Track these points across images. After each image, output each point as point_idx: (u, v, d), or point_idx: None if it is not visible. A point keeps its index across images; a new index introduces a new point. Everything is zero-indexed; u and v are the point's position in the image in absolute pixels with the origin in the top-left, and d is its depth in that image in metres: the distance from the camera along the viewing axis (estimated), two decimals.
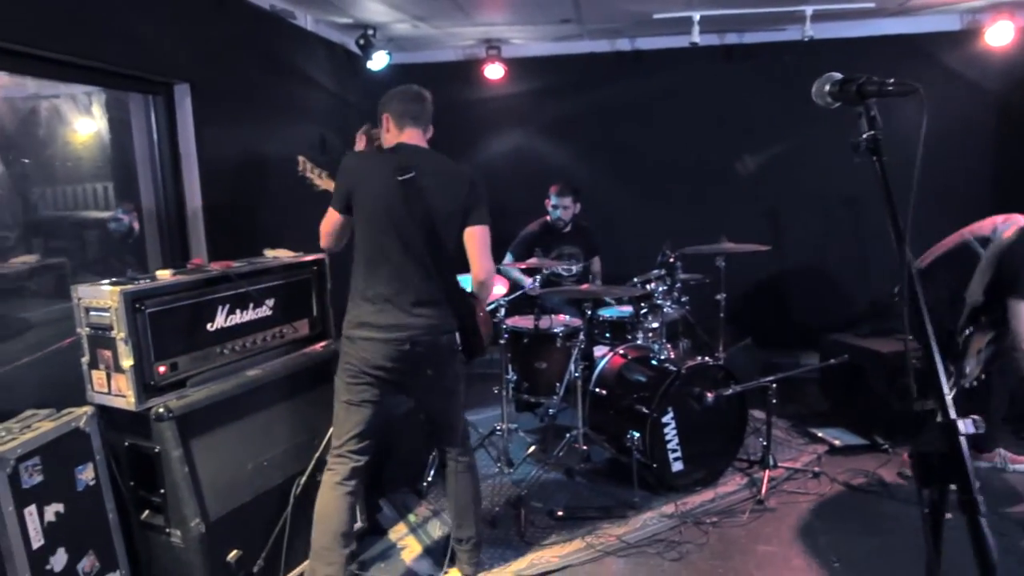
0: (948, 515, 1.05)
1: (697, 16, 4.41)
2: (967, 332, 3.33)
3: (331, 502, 2.39)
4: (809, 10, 4.35)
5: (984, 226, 3.36)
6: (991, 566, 0.96)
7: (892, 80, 1.21)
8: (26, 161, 2.78)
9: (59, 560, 2.05)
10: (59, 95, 2.84)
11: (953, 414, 1.01)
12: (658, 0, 4.18)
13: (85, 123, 3.04)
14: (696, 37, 4.52)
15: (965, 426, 1.01)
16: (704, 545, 3.02)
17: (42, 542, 1.99)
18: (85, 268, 3.09)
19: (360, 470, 2.46)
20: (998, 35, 4.63)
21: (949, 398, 1.02)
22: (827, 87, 1.28)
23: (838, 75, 1.28)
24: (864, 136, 1.16)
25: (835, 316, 5.16)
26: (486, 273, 2.40)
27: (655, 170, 5.33)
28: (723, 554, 2.96)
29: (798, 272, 5.31)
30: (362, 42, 4.40)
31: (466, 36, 4.97)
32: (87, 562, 2.15)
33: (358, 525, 2.97)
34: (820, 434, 4.15)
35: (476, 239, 2.41)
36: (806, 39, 4.49)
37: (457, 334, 2.46)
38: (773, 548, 2.99)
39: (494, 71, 5.12)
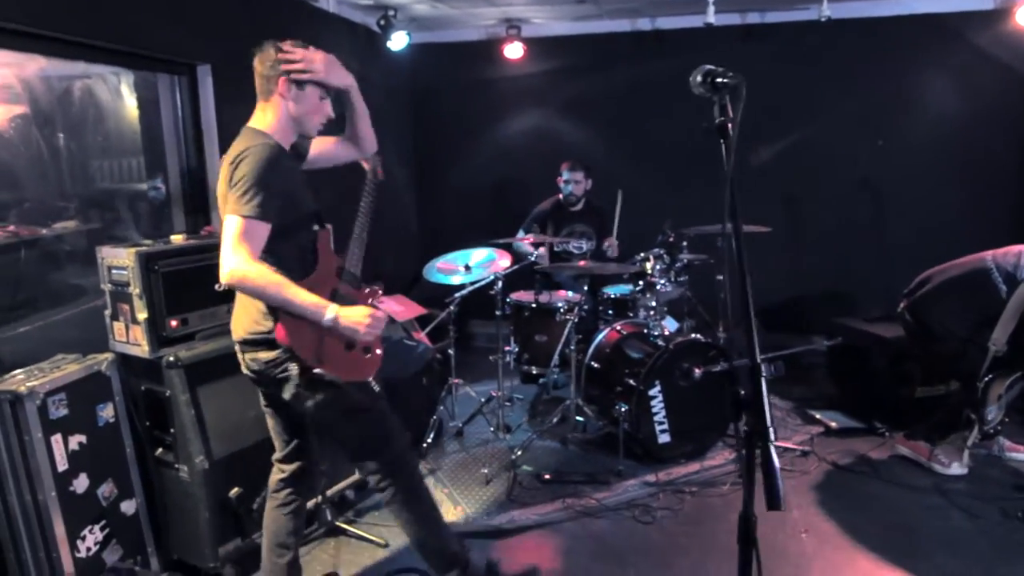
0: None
1: None
2: (988, 378, 3.22)
3: (266, 514, 2.37)
4: None
5: (1009, 256, 3.22)
6: (776, 489, 1.09)
7: (723, 72, 1.33)
8: (61, 136, 3.08)
9: (81, 483, 2.36)
10: (91, 76, 3.12)
11: (758, 358, 1.15)
12: None
13: (116, 101, 3.33)
14: (711, 17, 4.53)
15: (766, 369, 1.15)
16: (679, 511, 3.17)
17: (66, 466, 2.30)
18: (119, 234, 3.40)
19: (288, 480, 2.35)
20: None
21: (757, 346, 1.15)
22: (698, 78, 1.38)
23: (708, 66, 1.38)
24: (716, 121, 1.29)
25: (847, 299, 5.16)
26: (224, 274, 1.86)
27: (671, 151, 5.37)
28: (695, 520, 3.11)
29: (811, 254, 5.30)
30: (383, 22, 4.59)
31: (486, 16, 5.09)
32: (106, 488, 2.46)
33: (355, 477, 3.23)
34: (818, 416, 4.21)
35: (221, 231, 1.93)
36: (823, 19, 4.45)
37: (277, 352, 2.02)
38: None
39: (514, 50, 5.23)
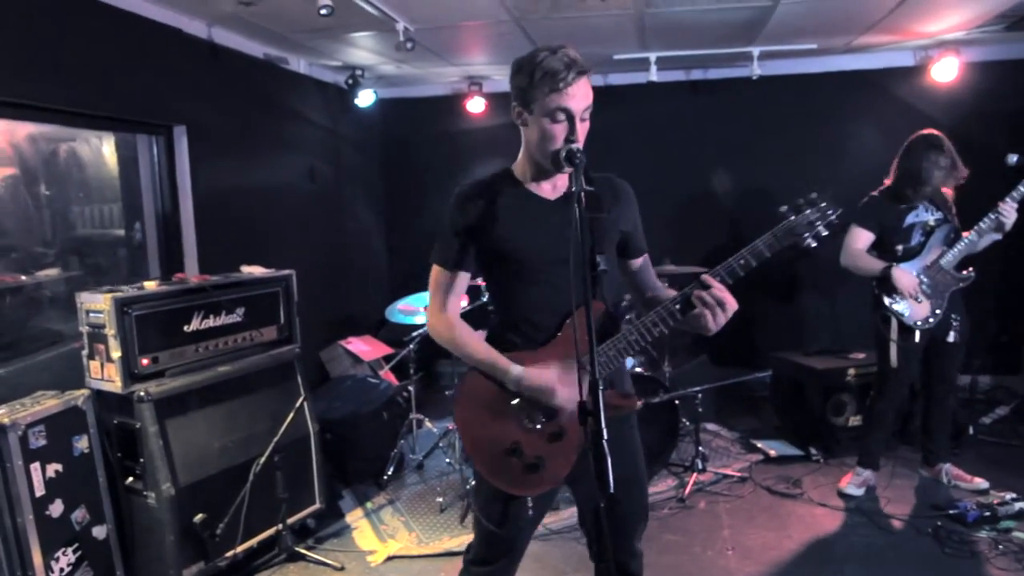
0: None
1: (653, 57, 4.84)
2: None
3: None
4: (756, 51, 4.73)
5: None
6: (606, 476, 1.36)
7: (578, 151, 1.62)
8: (47, 193, 3.38)
9: (56, 508, 2.58)
10: (75, 138, 3.44)
11: (597, 374, 1.43)
12: (616, 42, 4.60)
13: (98, 160, 3.64)
14: (654, 76, 4.94)
15: (600, 385, 1.42)
16: None
17: (43, 492, 2.53)
18: (100, 278, 3.66)
19: None
20: (943, 71, 4.93)
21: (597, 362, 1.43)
22: (563, 154, 1.65)
23: (574, 146, 1.66)
24: (572, 190, 1.56)
25: (792, 335, 5.49)
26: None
27: None
28: None
29: (756, 292, 5.63)
30: (350, 82, 4.96)
31: (449, 74, 5.49)
32: (79, 513, 2.68)
33: (316, 506, 3.45)
34: (759, 444, 4.48)
35: None
36: (754, 77, 4.87)
37: None
38: (677, 538, 3.36)
39: (476, 105, 5.62)
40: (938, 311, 3.44)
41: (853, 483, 3.71)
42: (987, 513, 3.35)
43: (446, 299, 1.86)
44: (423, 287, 4.50)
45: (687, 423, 4.25)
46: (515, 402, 1.80)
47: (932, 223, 3.47)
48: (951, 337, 3.47)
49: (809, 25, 4.23)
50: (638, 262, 2.00)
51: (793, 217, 1.81)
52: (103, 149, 3.61)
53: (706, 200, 5.67)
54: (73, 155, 3.46)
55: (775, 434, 4.64)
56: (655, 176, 5.66)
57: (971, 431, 4.44)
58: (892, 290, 3.42)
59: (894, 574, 2.98)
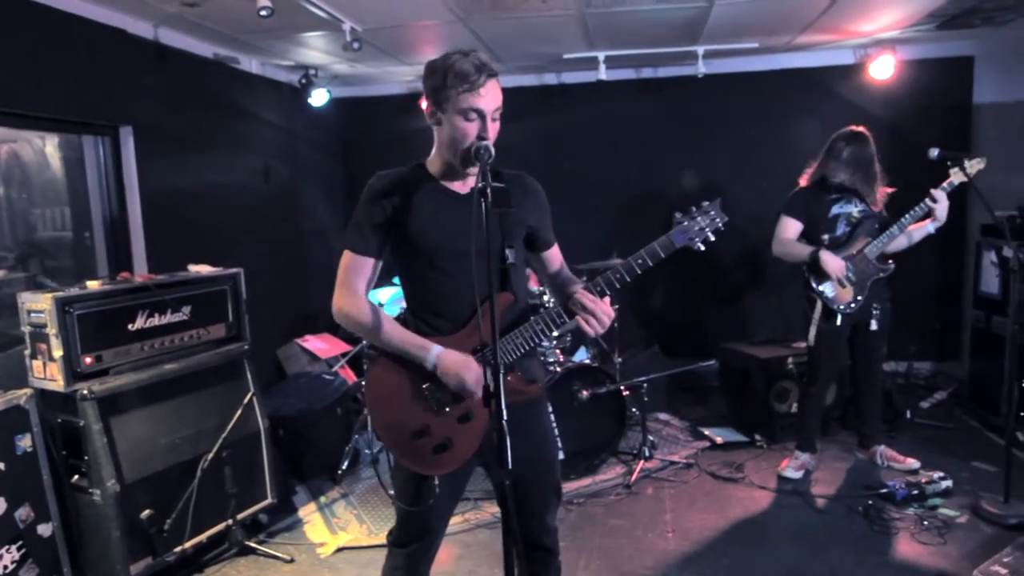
0: None
1: (602, 56, 4.95)
2: None
3: None
4: (700, 50, 4.87)
5: None
6: (505, 453, 1.47)
7: (485, 147, 1.71)
8: None
9: (0, 506, 2.60)
10: (16, 140, 3.44)
11: (498, 360, 1.52)
12: (564, 41, 4.70)
13: (42, 161, 3.64)
14: (603, 75, 5.06)
15: (502, 370, 1.52)
16: (563, 520, 3.51)
17: None
18: (49, 280, 3.67)
19: None
20: (880, 69, 5.12)
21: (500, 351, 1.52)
22: (474, 150, 1.74)
23: (482, 143, 1.75)
24: (481, 184, 1.65)
25: (740, 325, 5.65)
26: None
27: (575, 191, 5.84)
28: (577, 526, 3.45)
29: (705, 284, 5.79)
30: (304, 81, 4.99)
31: (403, 73, 5.54)
32: (23, 511, 2.70)
33: (268, 501, 3.50)
34: (707, 432, 4.61)
35: None
36: (700, 75, 5.01)
37: None
38: (622, 522, 3.48)
39: None
40: (860, 297, 3.59)
41: (791, 466, 3.86)
42: (915, 492, 3.52)
43: (355, 283, 1.89)
44: (378, 284, 4.63)
45: (635, 412, 4.37)
46: (425, 385, 1.88)
47: (856, 214, 3.63)
48: (873, 325, 3.64)
49: (747, 25, 4.37)
50: (547, 254, 2.09)
51: (683, 223, 1.91)
52: (46, 150, 3.61)
53: (655, 195, 5.80)
54: (15, 157, 3.46)
55: (723, 422, 4.79)
56: (606, 171, 5.79)
57: (908, 415, 4.62)
58: (820, 274, 3.57)
59: (824, 551, 3.13)
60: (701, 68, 4.97)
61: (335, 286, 1.93)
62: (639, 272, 1.88)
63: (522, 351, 1.91)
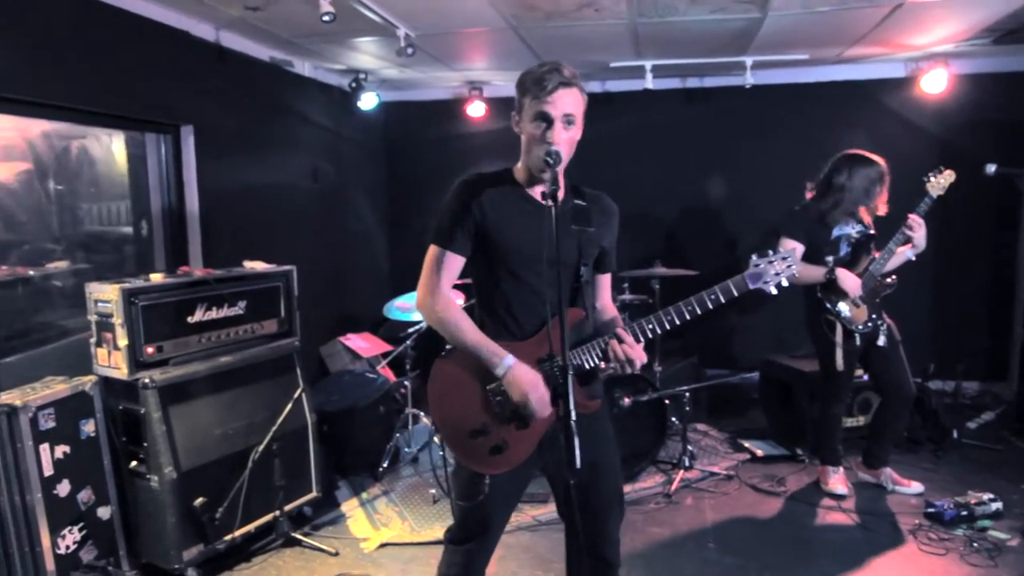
0: None
1: (648, 65, 4.96)
2: None
3: None
4: (749, 60, 4.85)
5: None
6: (573, 455, 1.48)
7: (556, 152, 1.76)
8: (60, 187, 3.51)
9: (64, 488, 2.70)
10: (86, 135, 3.57)
11: (568, 362, 1.55)
12: (612, 50, 4.73)
13: (108, 157, 3.78)
14: (650, 83, 5.07)
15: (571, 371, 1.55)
16: None
17: (52, 472, 2.65)
18: (108, 272, 3.79)
19: None
20: (933, 82, 5.05)
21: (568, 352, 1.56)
22: (541, 154, 1.78)
23: (554, 148, 1.79)
24: (549, 188, 1.69)
25: (778, 338, 5.58)
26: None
27: (623, 201, 5.86)
28: None
29: (749, 296, 5.73)
30: (354, 85, 5.10)
31: (450, 79, 5.62)
32: (85, 494, 2.80)
33: (312, 495, 3.57)
34: (746, 444, 4.58)
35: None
36: (748, 86, 4.99)
37: None
38: (663, 530, 3.47)
39: (476, 109, 5.75)
40: (874, 315, 3.59)
41: (837, 482, 3.80)
42: (964, 512, 3.45)
43: (440, 278, 1.92)
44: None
45: (675, 422, 4.36)
46: (490, 386, 1.91)
47: (855, 235, 3.62)
48: (880, 341, 3.60)
49: (798, 36, 4.35)
50: (602, 278, 2.12)
51: (759, 265, 1.95)
52: (113, 147, 3.75)
53: (698, 206, 5.79)
54: (84, 152, 3.59)
55: (762, 434, 4.74)
56: (650, 181, 5.79)
57: (955, 435, 4.53)
58: (835, 294, 3.56)
59: (871, 569, 3.08)
60: (749, 79, 4.95)
61: (420, 279, 1.97)
62: (711, 307, 1.90)
63: (587, 368, 1.93)
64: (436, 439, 4.42)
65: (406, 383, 4.52)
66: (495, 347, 1.88)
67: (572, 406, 1.53)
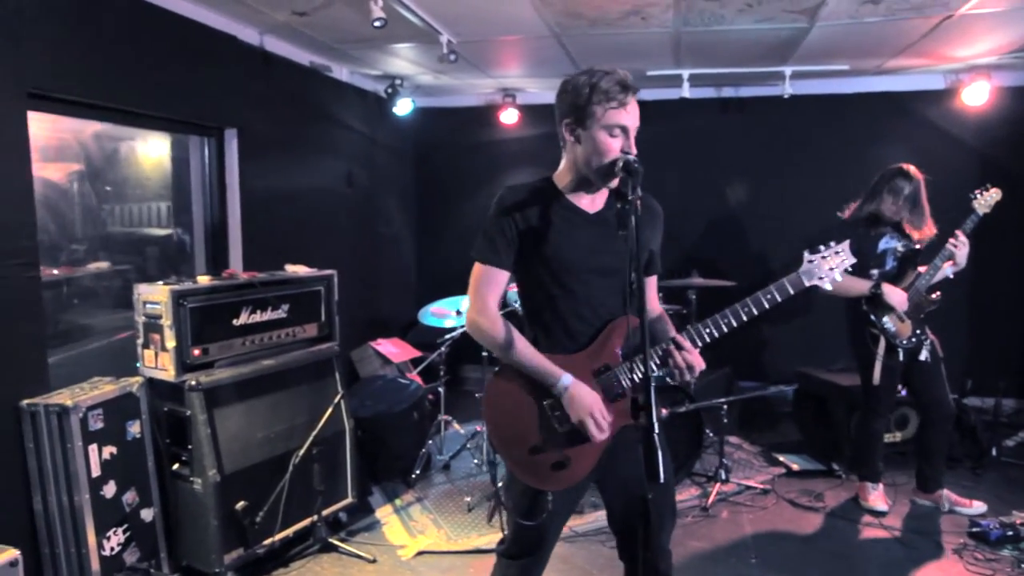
0: None
1: (686, 74, 4.94)
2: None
3: None
4: (788, 71, 4.82)
5: None
6: (656, 466, 1.46)
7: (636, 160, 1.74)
8: (108, 189, 3.54)
9: (110, 489, 2.70)
10: (135, 137, 3.60)
11: (652, 370, 1.52)
12: (651, 58, 4.70)
13: (155, 160, 3.81)
14: (686, 92, 5.04)
15: (654, 379, 1.52)
16: None
17: (99, 473, 2.65)
18: (149, 274, 3.81)
19: None
20: (974, 95, 4.98)
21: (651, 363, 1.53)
22: (621, 164, 1.76)
23: (630, 157, 1.77)
24: (629, 197, 1.67)
25: (812, 351, 5.52)
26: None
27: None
28: None
29: (777, 309, 5.67)
30: (390, 91, 5.11)
31: (484, 86, 5.63)
32: (129, 495, 2.80)
33: (348, 500, 3.55)
34: (782, 458, 4.52)
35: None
36: (786, 96, 4.95)
37: None
38: (702, 544, 3.42)
39: (509, 116, 5.75)
40: (918, 331, 3.54)
41: (877, 499, 3.74)
42: (1010, 532, 3.38)
43: (488, 296, 1.89)
44: (454, 291, 4.69)
45: (711, 434, 4.31)
46: (547, 402, 1.88)
47: (901, 249, 3.57)
48: (923, 355, 3.55)
49: (843, 47, 4.31)
50: (648, 280, 2.09)
51: (812, 261, 1.91)
52: (159, 150, 3.77)
53: (733, 215, 5.74)
54: (131, 154, 3.62)
55: (796, 448, 4.68)
56: (684, 190, 5.74)
57: (994, 453, 4.45)
58: (880, 308, 3.51)
59: None
60: (788, 89, 4.92)
61: (468, 298, 1.95)
62: (767, 307, 1.87)
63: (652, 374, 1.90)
64: (469, 446, 4.42)
65: (439, 389, 4.51)
66: (551, 366, 1.85)
67: (655, 417, 1.50)
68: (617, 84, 1.78)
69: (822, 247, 1.91)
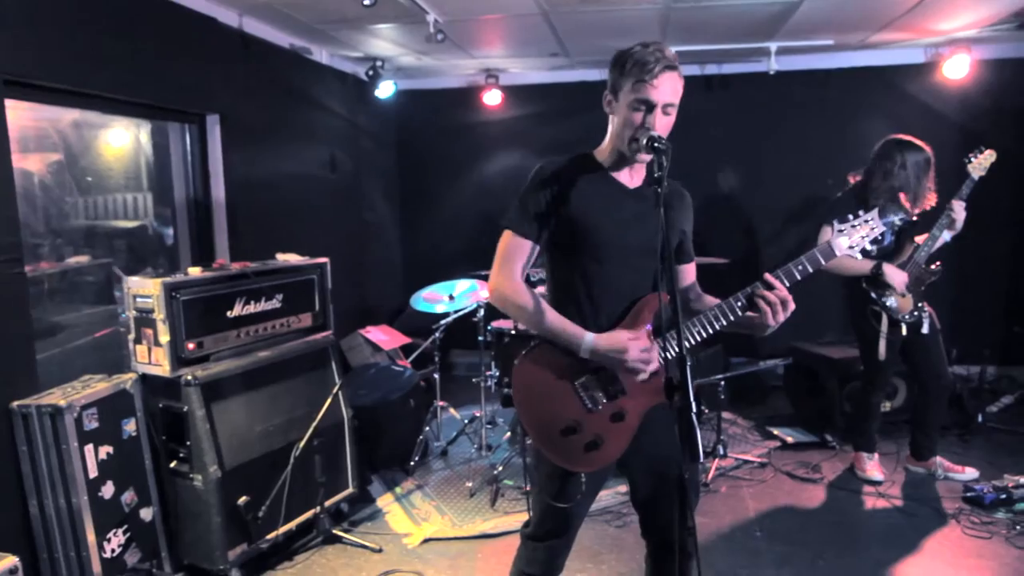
0: None
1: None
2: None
3: None
4: (773, 46, 4.81)
5: None
6: (696, 446, 1.44)
7: (659, 138, 1.69)
8: (89, 179, 3.40)
9: (108, 490, 2.62)
10: (113, 125, 3.45)
11: (685, 351, 1.51)
12: (637, 36, 4.61)
13: (135, 147, 3.67)
14: None
15: (688, 360, 1.50)
16: None
17: (96, 474, 2.56)
18: (130, 265, 3.69)
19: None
20: (955, 68, 5.03)
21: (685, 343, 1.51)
22: (643, 141, 1.71)
23: (653, 133, 1.72)
24: (657, 174, 1.64)
25: (802, 325, 5.57)
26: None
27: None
28: None
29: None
30: (371, 73, 4.99)
31: (467, 67, 5.53)
32: (128, 495, 2.71)
33: (349, 491, 3.51)
34: (776, 432, 4.57)
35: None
36: (772, 72, 4.95)
37: None
38: (706, 520, 3.44)
39: (492, 97, 5.66)
40: (919, 304, 3.58)
41: (873, 468, 3.80)
42: (1003, 496, 3.46)
43: (513, 265, 1.87)
44: (440, 276, 4.62)
45: (707, 411, 4.34)
46: (579, 382, 1.85)
47: (898, 222, 3.57)
48: (924, 328, 3.59)
49: (829, 21, 4.31)
50: (686, 268, 2.07)
51: (842, 231, 1.88)
52: (139, 138, 3.63)
53: (719, 193, 5.75)
54: (109, 142, 3.48)
55: (788, 421, 4.74)
56: (669, 168, 5.72)
57: (980, 419, 4.55)
58: (881, 287, 3.54)
59: (921, 554, 3.08)
60: (774, 65, 4.91)
61: (493, 266, 1.90)
62: (799, 278, 1.86)
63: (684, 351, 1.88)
64: (467, 431, 4.39)
65: (435, 375, 4.46)
66: (574, 327, 1.82)
67: (691, 395, 1.48)
68: (649, 57, 1.72)
69: (851, 216, 1.89)
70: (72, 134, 3.28)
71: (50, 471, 2.47)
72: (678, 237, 1.99)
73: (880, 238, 1.90)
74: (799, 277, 1.86)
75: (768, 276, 1.83)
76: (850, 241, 1.88)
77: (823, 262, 1.86)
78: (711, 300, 2.02)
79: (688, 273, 2.08)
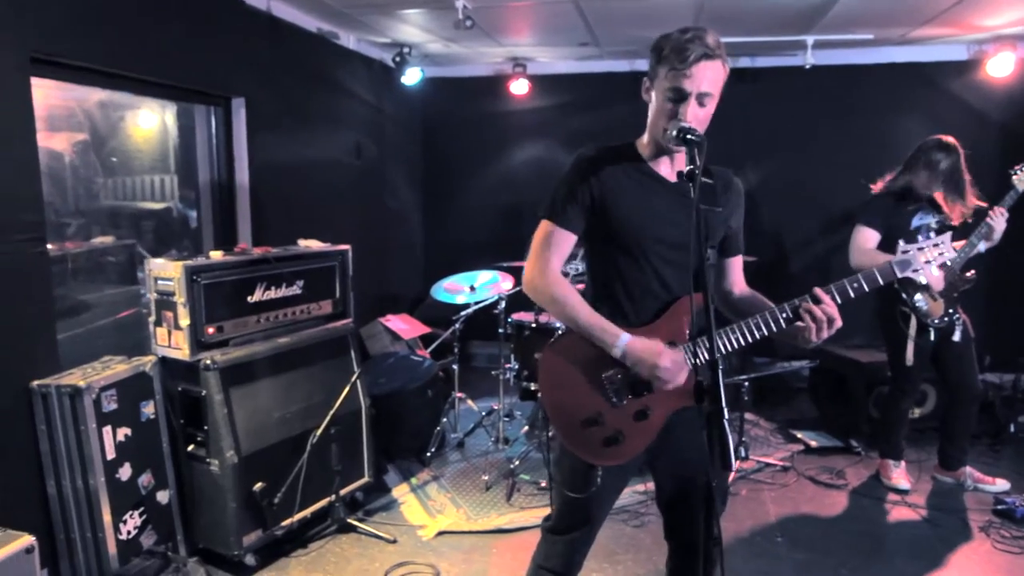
0: None
1: None
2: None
3: None
4: (810, 39, 4.67)
5: None
6: (728, 453, 1.38)
7: (692, 130, 1.61)
8: (114, 160, 3.40)
9: (125, 472, 2.62)
10: (139, 106, 3.45)
11: (717, 355, 1.44)
12: (668, 26, 4.53)
13: (161, 129, 3.66)
14: None
15: (720, 364, 1.44)
16: None
17: (114, 456, 2.57)
18: (153, 247, 3.69)
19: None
20: (1000, 66, 4.85)
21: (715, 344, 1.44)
22: (673, 132, 1.63)
23: (683, 124, 1.64)
24: (687, 168, 1.56)
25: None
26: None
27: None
28: None
29: (795, 285, 5.59)
30: (398, 59, 4.94)
31: (494, 55, 5.45)
32: (145, 478, 2.71)
33: (365, 480, 3.49)
34: (799, 435, 4.47)
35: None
36: (808, 67, 4.81)
37: None
38: (725, 523, 3.29)
39: (519, 86, 5.58)
40: (951, 310, 3.46)
41: (899, 476, 3.70)
42: None
43: (551, 256, 1.81)
44: (462, 266, 4.58)
45: (727, 412, 4.24)
46: (605, 375, 1.80)
47: (935, 225, 3.46)
48: (956, 335, 3.48)
49: (869, 14, 4.17)
50: (732, 261, 1.98)
51: (908, 251, 1.78)
52: (165, 119, 3.62)
53: (750, 189, 5.60)
54: (136, 124, 3.47)
55: (813, 425, 4.64)
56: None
57: (1012, 429, 4.42)
58: (912, 287, 3.42)
59: (946, 567, 2.98)
60: (810, 59, 4.77)
61: (528, 257, 1.85)
62: (852, 296, 1.76)
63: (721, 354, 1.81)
64: (485, 423, 4.36)
65: (453, 366, 4.43)
66: (610, 326, 1.76)
67: (723, 401, 1.42)
68: (685, 44, 1.63)
69: (920, 237, 1.81)
70: (98, 114, 3.27)
71: (68, 451, 2.47)
72: (723, 231, 1.90)
73: (949, 263, 1.80)
74: (852, 295, 1.76)
75: (818, 291, 1.74)
76: (914, 264, 1.78)
77: (880, 281, 1.77)
78: (755, 297, 1.95)
79: (734, 268, 1.99)
